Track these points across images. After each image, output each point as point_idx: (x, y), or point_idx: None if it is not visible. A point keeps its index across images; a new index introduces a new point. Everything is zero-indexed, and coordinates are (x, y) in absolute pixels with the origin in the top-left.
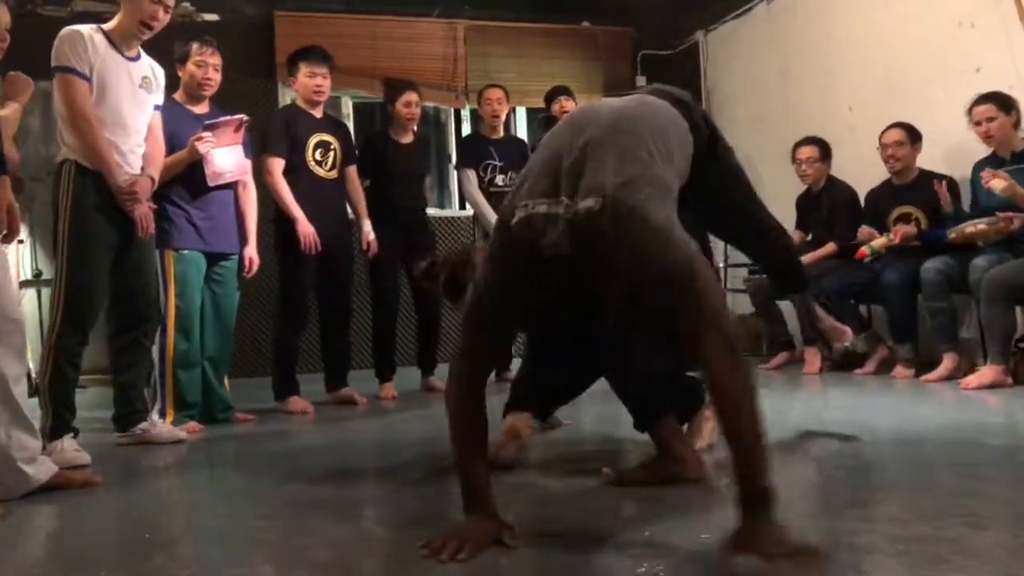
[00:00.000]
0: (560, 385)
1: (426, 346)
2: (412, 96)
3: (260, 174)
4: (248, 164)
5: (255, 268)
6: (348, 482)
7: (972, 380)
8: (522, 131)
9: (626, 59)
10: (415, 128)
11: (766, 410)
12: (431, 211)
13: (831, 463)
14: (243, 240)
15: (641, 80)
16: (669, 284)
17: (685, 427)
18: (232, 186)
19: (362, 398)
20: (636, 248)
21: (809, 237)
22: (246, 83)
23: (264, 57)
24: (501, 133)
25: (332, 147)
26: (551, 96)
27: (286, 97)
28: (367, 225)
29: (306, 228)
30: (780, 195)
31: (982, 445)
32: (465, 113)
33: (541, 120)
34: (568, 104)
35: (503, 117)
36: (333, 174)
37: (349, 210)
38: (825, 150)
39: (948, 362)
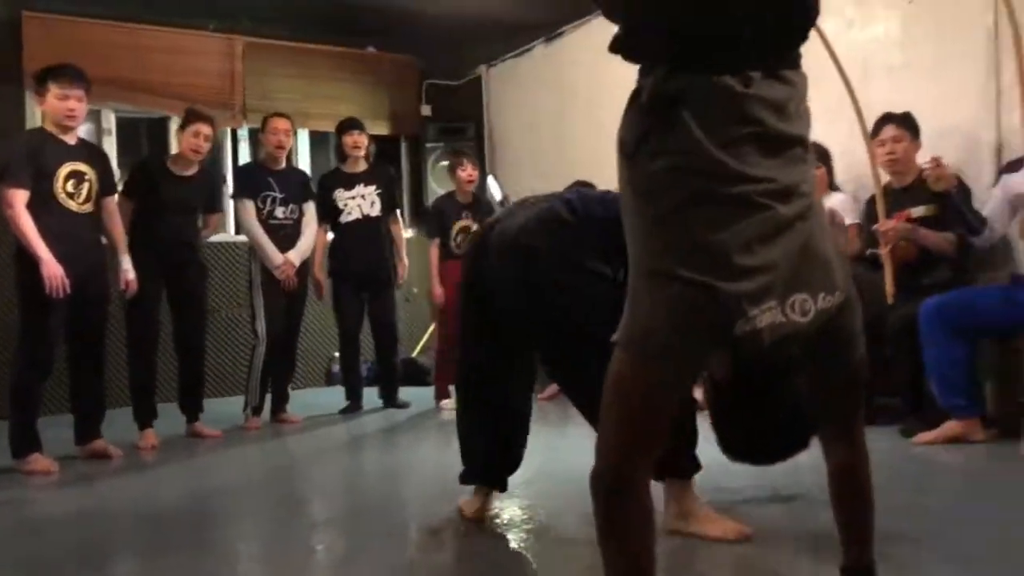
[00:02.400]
0: None
1: (190, 388)
2: (202, 128)
3: None
4: None
5: None
6: (99, 570)
7: None
8: (303, 154)
9: (411, 87)
10: (198, 161)
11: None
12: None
13: None
14: None
15: (426, 109)
16: (857, 379)
17: None
18: None
19: (117, 451)
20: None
21: None
22: None
23: (10, 62)
24: (283, 164)
25: (87, 178)
26: (342, 128)
27: (34, 109)
28: (126, 262)
29: (52, 269)
30: None
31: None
32: (242, 132)
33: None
34: (361, 139)
35: (288, 149)
36: (88, 207)
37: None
38: None
39: None
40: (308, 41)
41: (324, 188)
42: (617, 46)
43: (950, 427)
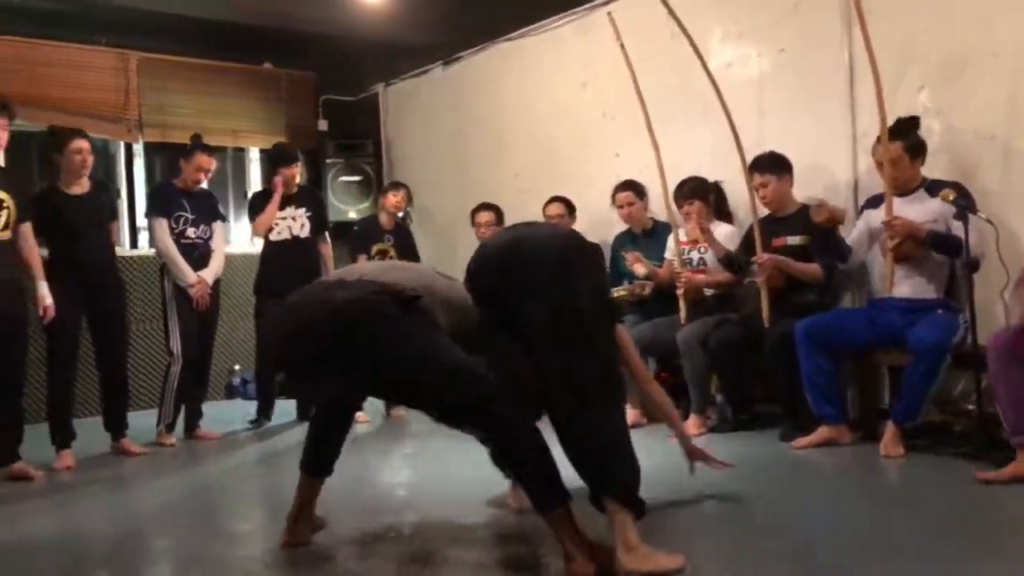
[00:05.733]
0: None
1: (115, 406)
2: (82, 143)
3: None
4: None
5: None
6: None
7: None
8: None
9: (308, 103)
10: (87, 176)
11: None
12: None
13: None
14: None
15: (323, 124)
16: None
17: None
18: None
19: (38, 472)
20: None
21: None
22: None
23: None
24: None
25: (5, 205)
26: (282, 161)
27: None
28: (43, 288)
29: None
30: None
31: None
32: (138, 148)
33: None
34: (297, 170)
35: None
36: (6, 235)
37: None
38: (500, 216)
39: None
40: (203, 56)
41: (255, 204)
42: None
43: (822, 432)
